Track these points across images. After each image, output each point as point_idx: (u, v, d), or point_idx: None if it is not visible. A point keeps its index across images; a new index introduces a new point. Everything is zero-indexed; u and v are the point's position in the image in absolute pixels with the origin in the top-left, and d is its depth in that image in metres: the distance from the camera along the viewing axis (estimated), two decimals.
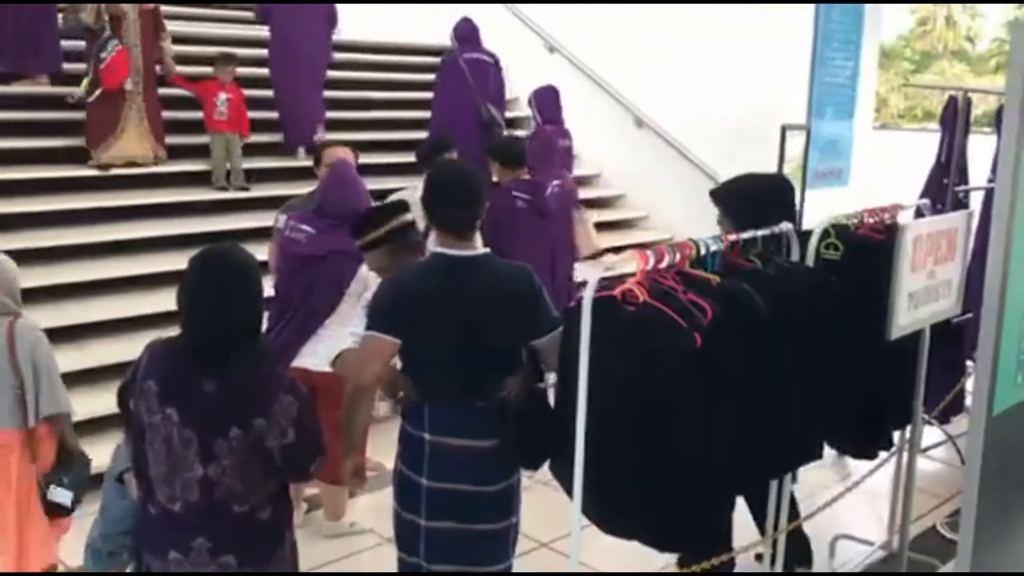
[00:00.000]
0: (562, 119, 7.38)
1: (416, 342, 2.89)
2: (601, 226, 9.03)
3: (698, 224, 8.91)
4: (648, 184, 9.27)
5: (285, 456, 2.48)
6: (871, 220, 3.53)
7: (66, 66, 6.93)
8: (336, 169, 4.45)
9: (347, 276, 4.07)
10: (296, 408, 2.48)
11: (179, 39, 7.47)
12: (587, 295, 2.60)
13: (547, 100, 7.26)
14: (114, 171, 6.63)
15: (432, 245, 3.10)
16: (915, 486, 3.89)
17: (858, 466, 4.65)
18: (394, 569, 3.41)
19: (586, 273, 2.64)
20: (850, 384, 3.15)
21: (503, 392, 2.97)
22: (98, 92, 6.42)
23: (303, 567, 4.04)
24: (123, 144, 6.63)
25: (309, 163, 7.44)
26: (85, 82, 6.51)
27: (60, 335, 5.11)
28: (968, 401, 5.55)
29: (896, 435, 3.94)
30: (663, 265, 2.73)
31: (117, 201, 6.59)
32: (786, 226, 3.24)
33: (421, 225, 3.83)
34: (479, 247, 3.01)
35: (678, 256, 2.76)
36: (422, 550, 2.99)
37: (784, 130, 8.24)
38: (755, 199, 3.51)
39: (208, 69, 7.22)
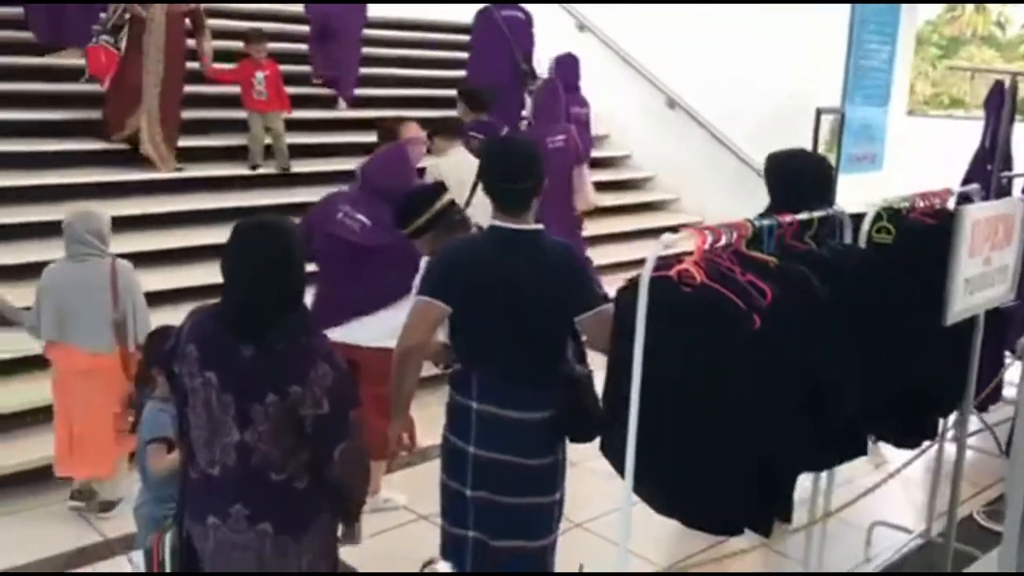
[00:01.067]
0: (579, 87, 7.51)
1: (466, 310, 2.90)
2: (630, 208, 9.03)
3: (729, 207, 8.87)
4: (679, 166, 9.21)
5: (317, 426, 2.45)
6: (923, 204, 3.47)
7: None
8: (395, 147, 4.40)
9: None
10: (332, 379, 2.46)
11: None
12: (645, 274, 2.56)
13: (566, 67, 7.36)
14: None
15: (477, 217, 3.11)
16: (958, 475, 3.83)
17: (891, 453, 4.61)
18: (428, 544, 3.43)
19: (644, 251, 2.58)
20: (902, 371, 3.10)
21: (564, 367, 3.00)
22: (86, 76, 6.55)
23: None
24: (135, 136, 6.60)
25: (346, 131, 7.49)
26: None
27: None
28: (1007, 391, 5.50)
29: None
30: (720, 245, 2.68)
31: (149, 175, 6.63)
32: (839, 208, 3.19)
33: (460, 198, 3.84)
34: (532, 222, 2.98)
35: (735, 236, 2.71)
36: (469, 520, 2.98)
37: (819, 113, 8.15)
38: (802, 175, 3.48)
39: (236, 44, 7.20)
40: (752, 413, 2.59)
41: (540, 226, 3.00)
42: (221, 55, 7.12)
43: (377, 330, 4.07)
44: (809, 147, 8.14)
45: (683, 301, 2.60)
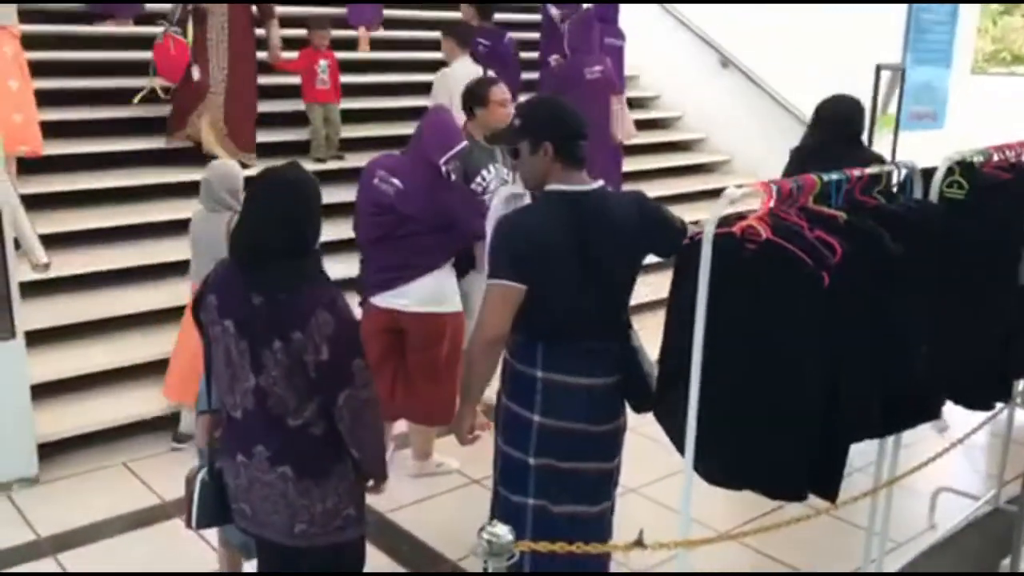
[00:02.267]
0: (616, 19, 7.27)
1: (540, 284, 2.79)
2: (681, 170, 8.87)
3: (782, 169, 8.72)
4: (732, 127, 9.01)
5: (318, 372, 2.51)
6: (997, 158, 3.31)
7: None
8: (438, 111, 4.33)
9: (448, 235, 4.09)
10: (332, 327, 2.50)
11: None
12: (707, 231, 2.46)
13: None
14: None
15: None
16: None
17: (954, 420, 4.47)
18: (480, 508, 3.42)
19: (696, 214, 2.49)
20: (978, 331, 2.97)
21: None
22: (157, 82, 6.27)
23: (390, 506, 4.10)
24: (197, 137, 6.36)
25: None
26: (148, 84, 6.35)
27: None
28: None
29: None
30: (787, 201, 2.57)
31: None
32: (910, 162, 3.05)
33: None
34: (591, 180, 2.89)
35: (802, 190, 2.60)
36: (530, 487, 2.92)
37: (879, 70, 7.92)
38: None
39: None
40: (820, 374, 2.49)
41: (601, 182, 2.91)
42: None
43: (418, 296, 4.06)
44: (868, 104, 7.97)
45: (747, 258, 2.50)
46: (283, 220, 2.55)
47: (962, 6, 8.73)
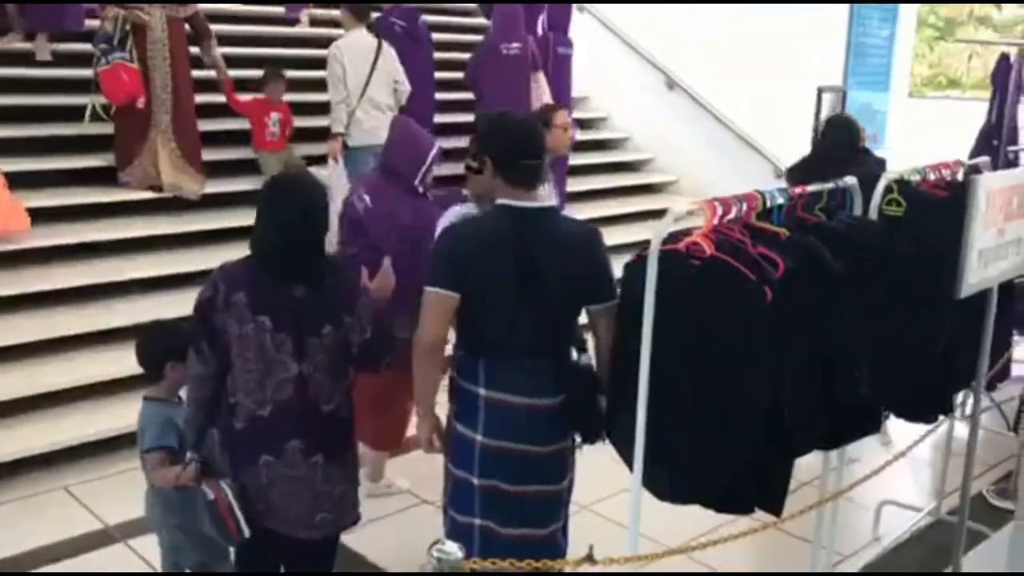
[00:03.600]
0: (567, 30, 7.69)
1: (476, 296, 2.79)
2: (628, 190, 8.96)
3: (729, 189, 8.84)
4: (679, 148, 9.13)
5: (363, 349, 2.79)
6: (933, 176, 3.39)
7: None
8: (403, 123, 4.26)
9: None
10: (370, 309, 2.82)
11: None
12: (654, 246, 2.49)
13: (557, 8, 7.60)
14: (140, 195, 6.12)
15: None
16: (965, 452, 3.78)
17: (897, 434, 4.57)
18: (431, 528, 3.36)
19: (642, 234, 2.53)
20: (918, 345, 3.04)
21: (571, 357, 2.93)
22: (100, 105, 5.98)
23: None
24: (152, 170, 6.10)
25: None
26: (89, 101, 6.01)
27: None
28: (1015, 369, 5.45)
29: None
30: (730, 217, 2.61)
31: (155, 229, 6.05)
32: (850, 180, 3.12)
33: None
34: (544, 199, 2.91)
35: (744, 208, 2.65)
36: (476, 508, 2.91)
37: (820, 92, 8.10)
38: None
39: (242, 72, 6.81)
40: (764, 388, 2.53)
41: (553, 202, 2.92)
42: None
43: None
44: (810, 127, 8.15)
45: (692, 274, 2.54)
46: (313, 217, 2.75)
47: (899, 29, 8.98)
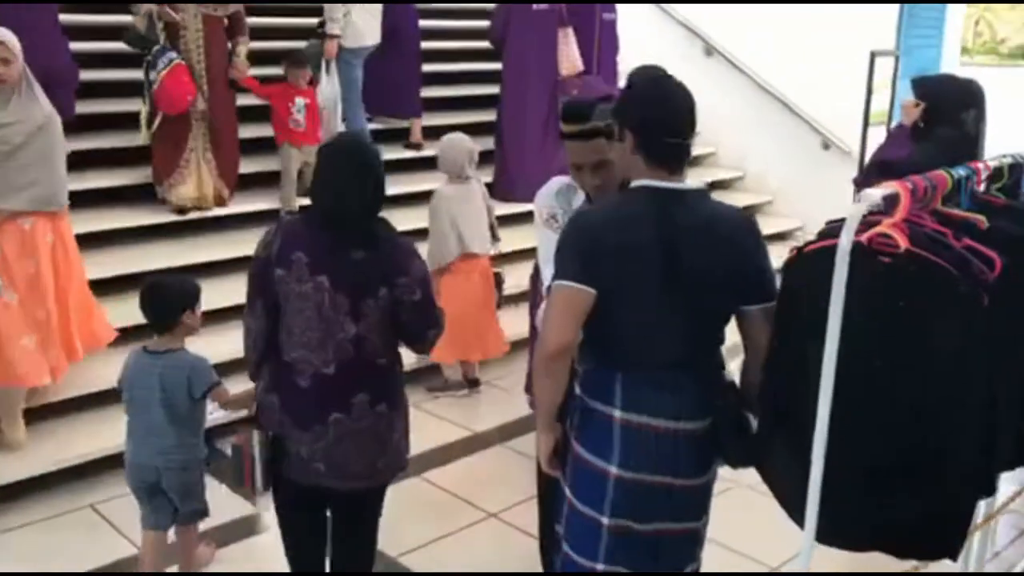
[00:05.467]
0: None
1: (613, 292, 2.29)
2: None
3: (770, 161, 8.37)
4: (717, 118, 8.52)
5: (412, 311, 2.76)
6: None
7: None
8: None
9: None
10: (423, 272, 2.82)
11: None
12: (844, 240, 2.00)
13: None
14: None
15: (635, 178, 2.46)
16: None
17: None
18: (500, 547, 3.44)
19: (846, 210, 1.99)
20: None
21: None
22: (158, 121, 5.29)
23: (400, 549, 3.63)
24: (192, 182, 5.47)
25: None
26: (143, 113, 5.34)
27: None
28: None
29: None
30: (919, 202, 2.14)
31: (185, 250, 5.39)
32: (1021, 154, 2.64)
33: None
34: (690, 181, 2.41)
35: (935, 190, 2.17)
36: (601, 553, 2.44)
37: (873, 56, 7.59)
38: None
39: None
40: (975, 413, 2.06)
41: (703, 184, 2.41)
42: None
43: None
44: (863, 92, 7.66)
45: (880, 273, 2.06)
46: (372, 181, 2.75)
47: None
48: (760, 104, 8.35)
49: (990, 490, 2.23)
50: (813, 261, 2.21)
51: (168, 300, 3.23)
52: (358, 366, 2.74)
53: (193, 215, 5.54)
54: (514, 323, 5.28)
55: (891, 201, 2.03)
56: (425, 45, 7.07)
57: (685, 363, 2.36)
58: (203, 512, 3.36)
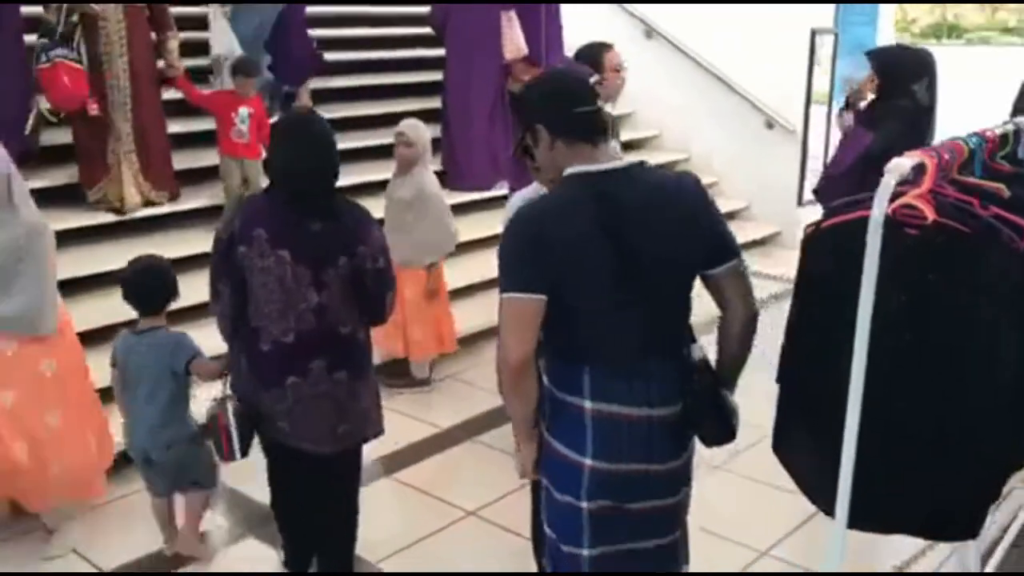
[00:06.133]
0: None
1: (566, 290, 2.18)
2: None
3: (717, 143, 8.35)
4: (660, 101, 8.54)
5: (375, 279, 2.88)
6: None
7: None
8: None
9: None
10: (382, 241, 2.92)
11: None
12: (876, 213, 1.91)
13: None
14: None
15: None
16: None
17: None
18: (480, 544, 3.37)
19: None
20: None
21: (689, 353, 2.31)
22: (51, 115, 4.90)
23: (378, 555, 3.53)
24: (118, 186, 5.05)
25: None
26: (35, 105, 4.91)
27: None
28: None
29: None
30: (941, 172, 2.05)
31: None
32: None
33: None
34: (618, 158, 2.30)
35: (955, 160, 2.09)
36: (585, 537, 2.34)
37: (813, 34, 7.62)
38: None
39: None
40: (1008, 387, 1.99)
41: (636, 159, 2.31)
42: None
43: None
44: (804, 71, 7.68)
45: (909, 246, 1.98)
46: (329, 155, 2.86)
47: None
48: (703, 85, 8.31)
49: (1020, 465, 2.17)
50: (831, 238, 2.12)
51: (163, 281, 3.31)
52: (319, 335, 2.85)
53: (140, 213, 5.19)
54: (469, 316, 5.15)
55: (917, 170, 1.95)
56: (367, 32, 6.88)
57: (652, 349, 2.25)
58: (200, 483, 3.38)
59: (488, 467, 4.18)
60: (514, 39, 6.77)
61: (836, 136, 7.86)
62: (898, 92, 4.29)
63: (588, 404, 2.26)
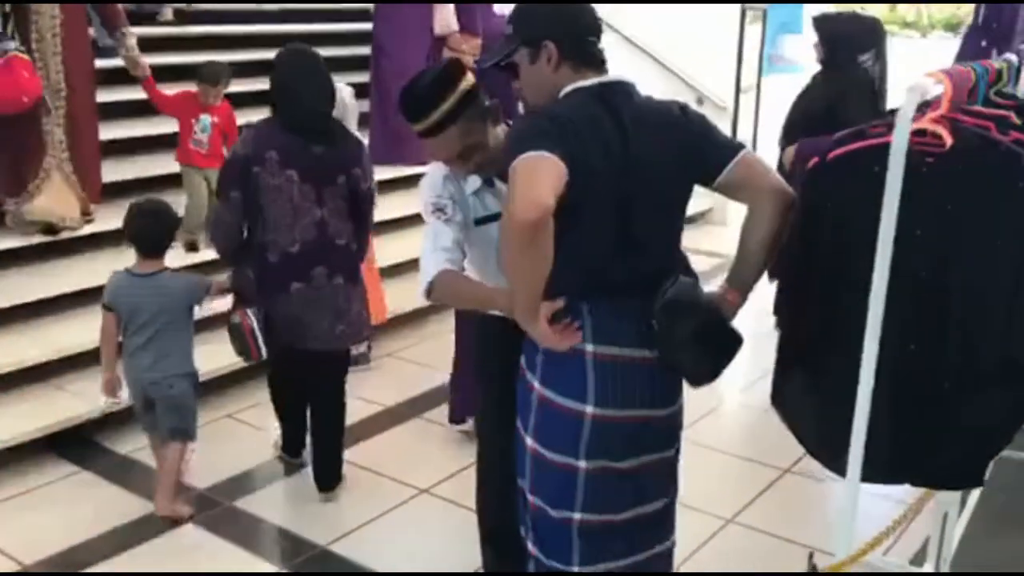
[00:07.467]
0: None
1: (577, 178, 1.96)
2: None
3: None
4: None
5: (365, 198, 3.40)
6: None
7: None
8: None
9: None
10: (370, 163, 3.44)
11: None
12: (899, 136, 1.76)
13: None
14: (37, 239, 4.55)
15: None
16: None
17: None
18: (439, 523, 3.42)
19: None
20: None
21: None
22: None
23: (329, 536, 3.36)
24: (50, 197, 4.51)
25: None
26: None
27: None
28: None
29: None
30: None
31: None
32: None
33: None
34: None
35: (964, 84, 1.97)
36: (579, 499, 2.18)
37: (744, 10, 7.61)
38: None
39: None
40: None
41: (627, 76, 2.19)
42: None
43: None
44: (735, 46, 7.66)
45: (927, 174, 1.85)
46: (328, 86, 3.32)
47: None
48: (634, 61, 8.21)
49: None
50: (838, 169, 1.99)
51: (169, 225, 3.40)
52: (320, 245, 3.28)
53: (63, 235, 4.62)
54: (401, 294, 4.98)
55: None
56: (291, 7, 6.57)
57: (655, 279, 2.12)
58: (185, 432, 3.42)
59: (437, 444, 4.00)
60: (444, 14, 6.56)
61: (765, 114, 7.89)
62: (845, 63, 4.23)
63: (590, 347, 2.12)
